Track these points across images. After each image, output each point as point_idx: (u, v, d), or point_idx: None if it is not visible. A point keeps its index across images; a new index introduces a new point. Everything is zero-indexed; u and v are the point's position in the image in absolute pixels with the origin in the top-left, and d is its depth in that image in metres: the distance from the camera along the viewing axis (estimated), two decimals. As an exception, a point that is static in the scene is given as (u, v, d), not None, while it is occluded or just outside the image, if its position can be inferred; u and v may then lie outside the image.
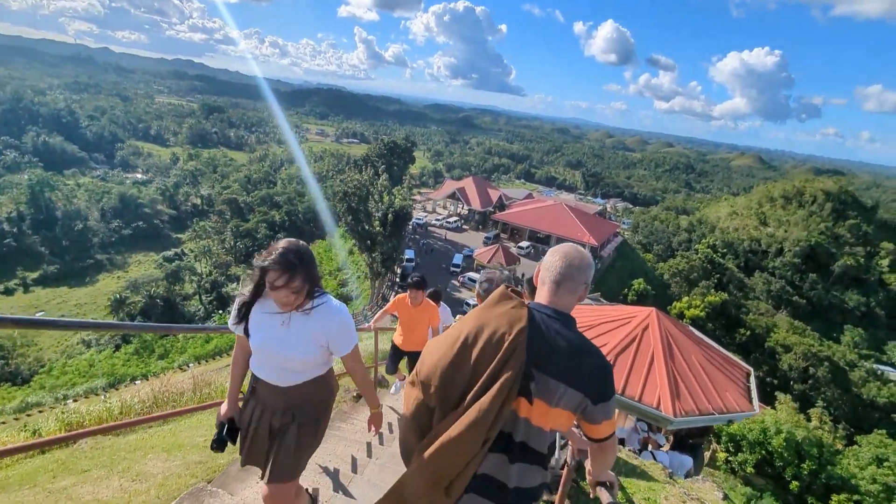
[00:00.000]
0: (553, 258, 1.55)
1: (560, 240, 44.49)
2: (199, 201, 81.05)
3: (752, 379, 8.10)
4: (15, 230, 57.82)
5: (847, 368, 34.20)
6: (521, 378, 1.35)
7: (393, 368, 5.11)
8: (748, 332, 38.27)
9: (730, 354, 8.95)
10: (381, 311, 5.14)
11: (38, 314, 47.63)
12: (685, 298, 40.02)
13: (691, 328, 9.68)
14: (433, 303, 4.70)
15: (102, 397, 5.94)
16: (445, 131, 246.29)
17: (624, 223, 73.35)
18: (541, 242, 45.20)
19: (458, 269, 38.07)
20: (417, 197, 59.64)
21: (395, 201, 34.58)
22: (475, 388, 1.37)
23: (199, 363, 26.78)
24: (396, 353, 4.91)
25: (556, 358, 1.37)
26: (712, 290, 42.92)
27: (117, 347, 35.97)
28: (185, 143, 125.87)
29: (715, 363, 7.95)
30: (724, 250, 56.70)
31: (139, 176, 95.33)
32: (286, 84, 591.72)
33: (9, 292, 50.87)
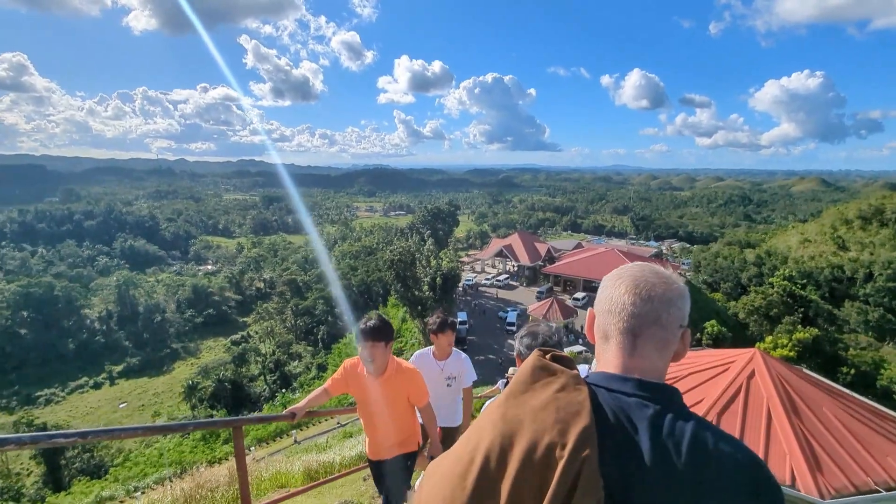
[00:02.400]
0: (616, 291, 0.95)
1: (616, 287, 42.76)
2: (262, 285, 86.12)
3: None
4: (104, 328, 63.62)
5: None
6: None
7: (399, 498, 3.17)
8: (852, 371, 33.83)
9: (875, 404, 6.85)
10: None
11: (121, 405, 50.78)
12: (769, 338, 36.37)
13: (809, 372, 7.77)
14: (408, 366, 3.04)
15: (138, 496, 5.98)
16: (487, 193, 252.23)
17: (684, 263, 69.66)
18: (596, 292, 43.61)
19: (514, 328, 37.13)
20: (465, 259, 60.22)
21: (443, 264, 35.09)
22: None
23: (260, 445, 27.04)
24: (375, 472, 3.23)
25: (661, 479, 0.74)
26: (799, 325, 38.87)
27: (186, 434, 37.24)
28: (249, 233, 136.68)
29: (860, 417, 5.90)
30: (803, 281, 51.91)
31: (209, 267, 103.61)
32: (336, 169, 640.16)
33: (97, 386, 54.96)
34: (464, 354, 3.79)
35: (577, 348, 32.46)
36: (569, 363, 0.88)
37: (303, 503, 4.35)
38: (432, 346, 3.68)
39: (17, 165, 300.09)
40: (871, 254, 55.66)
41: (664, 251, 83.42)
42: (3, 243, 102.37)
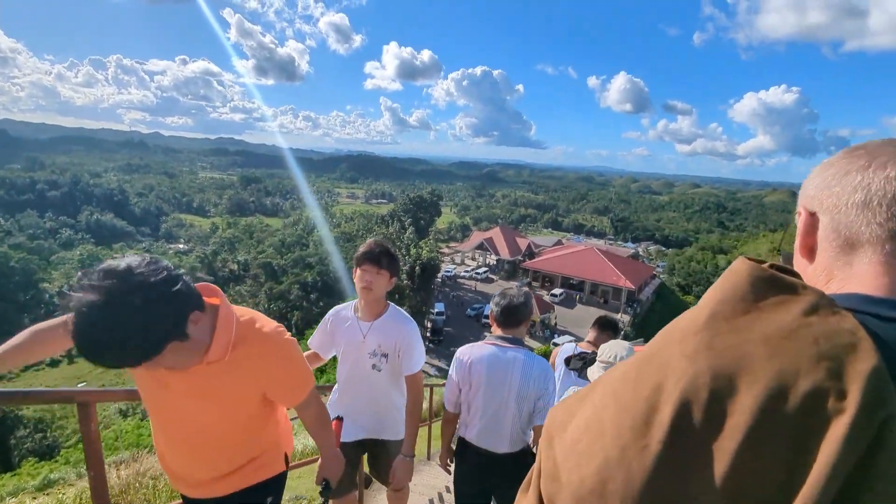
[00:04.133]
0: (875, 174, 0.56)
1: (595, 285, 43.08)
2: (236, 267, 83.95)
3: None
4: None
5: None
6: None
7: None
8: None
9: None
10: None
11: (79, 385, 48.76)
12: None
13: None
14: (268, 331, 1.52)
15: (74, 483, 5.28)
16: (471, 186, 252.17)
17: (659, 266, 70.95)
18: (574, 289, 43.84)
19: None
20: (445, 250, 59.84)
21: (423, 253, 34.59)
22: None
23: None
24: None
25: None
26: (765, 331, 39.92)
27: (145, 415, 35.93)
28: (225, 213, 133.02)
29: None
30: (772, 288, 53.43)
31: (181, 246, 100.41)
32: (318, 153, 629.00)
33: (54, 364, 52.58)
34: (408, 320, 2.32)
35: (567, 338, 32.36)
36: (799, 276, 0.51)
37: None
38: (357, 300, 2.36)
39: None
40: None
41: (640, 253, 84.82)
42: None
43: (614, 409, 0.50)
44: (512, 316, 2.28)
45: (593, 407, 0.53)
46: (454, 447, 2.49)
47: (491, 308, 2.39)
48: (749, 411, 0.41)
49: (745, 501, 0.39)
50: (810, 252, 0.64)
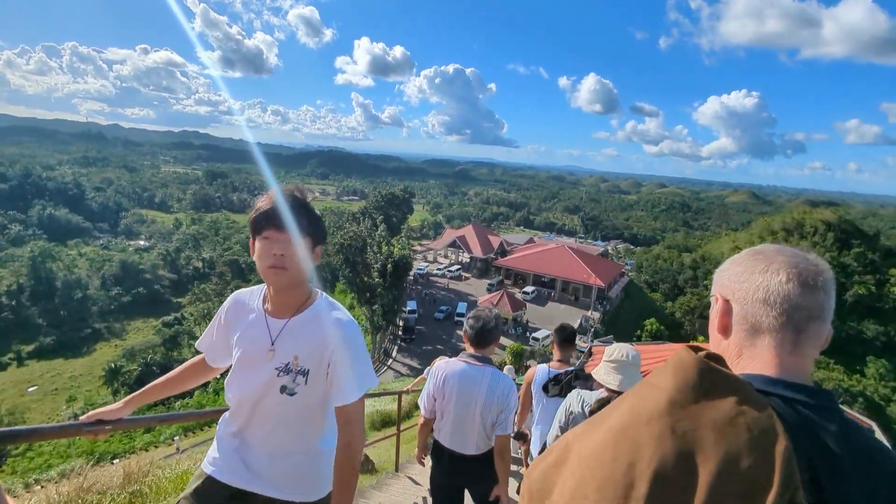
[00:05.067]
0: (772, 277, 0.76)
1: (566, 283, 43.73)
2: (200, 264, 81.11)
3: (881, 436, 5.83)
4: (13, 303, 57.32)
5: (883, 404, 32.23)
6: None
7: None
8: (770, 369, 36.57)
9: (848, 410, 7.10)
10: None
11: (30, 389, 46.05)
12: (701, 337, 38.61)
13: None
14: None
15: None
16: (443, 184, 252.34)
17: (627, 264, 72.76)
18: (546, 286, 44.37)
19: (463, 319, 37.02)
20: (418, 248, 59.56)
21: (395, 251, 34.21)
22: None
23: (186, 435, 25.22)
24: None
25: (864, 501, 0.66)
26: (726, 326, 41.55)
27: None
28: (189, 209, 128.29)
29: None
30: (733, 285, 55.65)
31: (142, 242, 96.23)
32: (288, 148, 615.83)
33: (2, 367, 49.48)
34: (346, 321, 1.56)
35: (543, 332, 32.65)
36: (725, 363, 0.69)
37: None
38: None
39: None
40: (792, 263, 60.60)
41: (610, 251, 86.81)
42: None
43: (596, 484, 0.63)
44: (483, 338, 2.57)
45: (575, 478, 0.66)
46: (430, 447, 2.84)
47: (465, 328, 2.63)
48: (705, 486, 0.57)
49: None
50: (725, 330, 0.82)
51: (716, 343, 0.85)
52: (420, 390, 5.32)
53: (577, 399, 2.56)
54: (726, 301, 0.82)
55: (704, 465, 0.58)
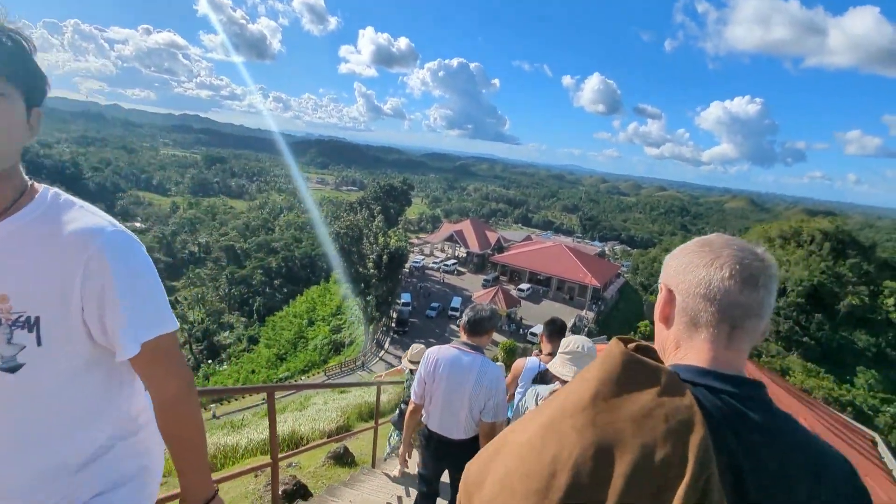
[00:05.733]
0: (715, 273, 0.77)
1: (561, 281, 43.72)
2: (196, 248, 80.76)
3: (884, 449, 5.46)
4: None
5: (872, 414, 32.42)
6: None
7: None
8: (761, 376, 36.73)
9: (845, 417, 6.61)
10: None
11: None
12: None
13: (776, 377, 7.44)
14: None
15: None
16: (443, 178, 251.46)
17: (623, 265, 72.84)
18: (541, 284, 44.33)
19: (458, 313, 36.95)
20: (415, 241, 59.38)
21: (391, 242, 34.03)
22: None
23: (221, 403, 24.98)
24: None
25: (785, 490, 0.67)
26: (719, 331, 41.65)
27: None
28: (187, 193, 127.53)
29: (835, 430, 5.31)
30: (728, 291, 55.77)
31: (138, 224, 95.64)
32: (289, 136, 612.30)
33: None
34: (106, 225, 1.02)
35: (541, 327, 32.76)
36: (655, 355, 0.73)
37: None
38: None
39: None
40: (787, 271, 60.72)
41: (607, 252, 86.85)
42: None
43: (522, 472, 0.65)
44: (476, 327, 2.66)
45: (505, 468, 0.68)
46: (415, 442, 3.00)
47: (462, 318, 2.75)
48: (623, 477, 0.58)
49: None
50: (667, 320, 0.83)
51: (658, 332, 0.87)
52: (394, 381, 5.21)
53: (531, 395, 2.58)
54: (670, 291, 0.83)
55: (622, 457, 0.60)
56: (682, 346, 0.80)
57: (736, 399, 0.70)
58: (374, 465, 4.65)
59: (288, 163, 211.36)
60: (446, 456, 2.69)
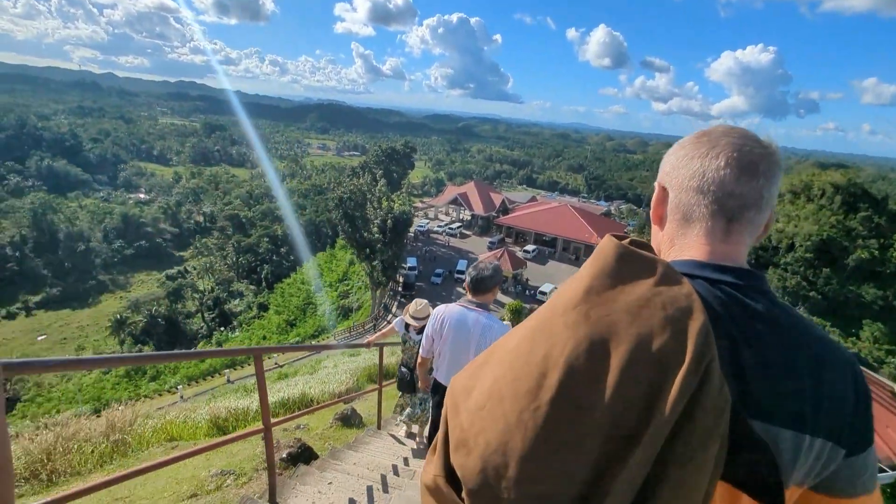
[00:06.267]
0: (709, 162, 0.73)
1: (567, 242, 43.55)
2: (201, 218, 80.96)
3: None
4: (17, 254, 57.70)
5: (877, 366, 32.82)
6: (726, 441, 0.59)
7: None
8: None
9: (870, 371, 6.02)
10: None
11: (39, 338, 47.15)
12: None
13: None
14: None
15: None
16: (446, 140, 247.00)
17: (630, 224, 72.32)
18: (547, 245, 44.24)
19: (464, 275, 37.09)
20: (419, 204, 59.00)
21: (395, 206, 33.81)
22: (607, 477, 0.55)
23: (189, 384, 25.88)
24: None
25: (787, 375, 0.64)
26: (725, 288, 41.76)
27: (107, 370, 35.26)
28: (188, 162, 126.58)
29: None
30: (735, 247, 55.46)
31: (142, 196, 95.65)
32: (287, 101, 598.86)
33: (11, 316, 50.48)
34: None
35: (549, 286, 33.15)
36: (651, 250, 0.69)
37: (189, 463, 3.48)
38: None
39: None
40: (796, 226, 60.02)
41: (612, 211, 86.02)
42: None
43: (511, 376, 0.62)
44: (480, 285, 2.76)
45: (493, 375, 0.65)
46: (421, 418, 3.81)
47: (466, 277, 2.85)
48: (618, 368, 0.56)
49: (617, 432, 0.53)
50: (660, 220, 0.80)
51: (654, 234, 0.84)
52: (385, 343, 5.02)
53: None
54: (663, 189, 0.80)
55: (617, 348, 0.58)
56: (676, 243, 0.76)
57: (736, 289, 0.68)
58: (379, 427, 4.73)
59: (285, 129, 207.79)
60: None
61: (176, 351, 3.78)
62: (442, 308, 2.92)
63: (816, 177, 70.12)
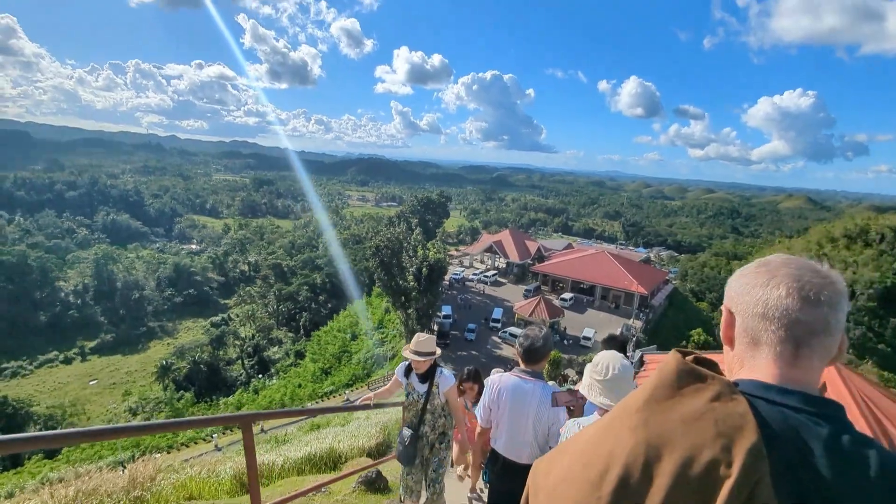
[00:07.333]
0: (771, 291, 0.77)
1: (606, 290, 42.40)
2: (246, 267, 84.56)
3: None
4: (79, 301, 61.75)
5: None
6: None
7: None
8: (831, 387, 33.89)
9: None
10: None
11: (91, 382, 49.31)
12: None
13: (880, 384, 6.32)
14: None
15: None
16: (480, 190, 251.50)
17: (671, 272, 69.84)
18: (584, 293, 43.21)
19: (499, 325, 36.56)
20: (454, 253, 59.55)
21: (430, 254, 34.26)
22: None
23: (224, 433, 26.04)
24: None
25: None
26: (781, 339, 38.87)
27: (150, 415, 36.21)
28: (237, 214, 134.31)
29: None
30: (788, 295, 52.19)
31: (194, 246, 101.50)
32: (330, 156, 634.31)
33: (68, 361, 53.31)
34: None
35: (591, 330, 32.22)
36: (716, 367, 0.75)
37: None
38: None
39: (0, 130, 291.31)
40: (854, 273, 56.18)
41: (652, 258, 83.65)
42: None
43: (583, 463, 0.74)
44: (534, 355, 2.81)
45: (569, 461, 0.78)
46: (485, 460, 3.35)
47: (516, 345, 2.93)
48: (669, 474, 0.63)
49: None
50: (730, 341, 0.84)
51: (725, 354, 0.87)
52: (384, 403, 4.33)
53: (573, 425, 2.38)
54: (730, 313, 0.84)
55: (670, 455, 0.65)
56: (746, 364, 0.80)
57: (799, 413, 0.68)
58: (401, 501, 3.99)
59: (327, 182, 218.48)
60: (514, 478, 2.77)
61: (162, 420, 3.61)
62: (496, 377, 2.98)
63: (873, 220, 66.37)
